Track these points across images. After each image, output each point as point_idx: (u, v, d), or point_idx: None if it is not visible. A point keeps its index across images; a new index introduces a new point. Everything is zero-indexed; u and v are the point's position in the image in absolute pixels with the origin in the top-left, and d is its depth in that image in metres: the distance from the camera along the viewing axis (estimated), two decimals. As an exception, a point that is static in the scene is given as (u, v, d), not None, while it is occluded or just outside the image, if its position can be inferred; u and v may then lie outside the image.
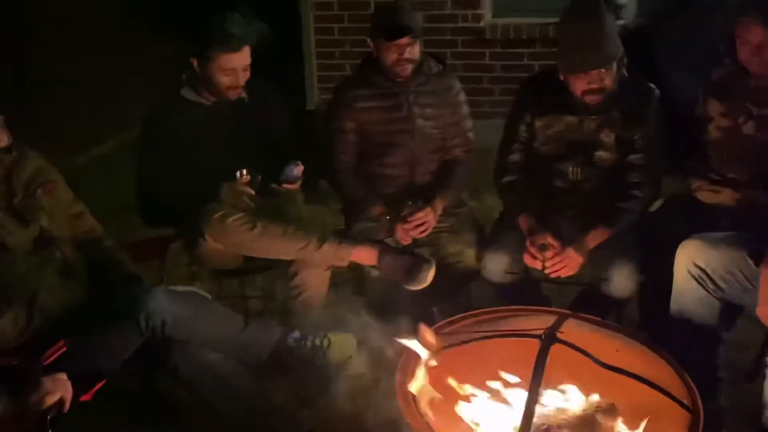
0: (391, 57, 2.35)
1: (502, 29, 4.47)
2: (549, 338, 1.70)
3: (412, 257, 2.15)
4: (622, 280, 2.13)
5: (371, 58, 2.48)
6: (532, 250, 2.17)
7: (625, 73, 2.25)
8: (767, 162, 2.19)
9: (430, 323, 1.78)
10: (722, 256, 1.93)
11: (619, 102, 2.23)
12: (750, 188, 2.22)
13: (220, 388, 1.87)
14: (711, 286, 1.95)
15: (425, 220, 2.35)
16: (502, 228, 2.36)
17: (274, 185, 2.26)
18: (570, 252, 2.14)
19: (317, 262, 2.15)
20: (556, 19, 4.41)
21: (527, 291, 2.38)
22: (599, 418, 1.63)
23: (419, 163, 2.50)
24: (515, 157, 2.39)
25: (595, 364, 1.72)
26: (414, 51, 2.36)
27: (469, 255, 2.33)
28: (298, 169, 2.27)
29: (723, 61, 2.34)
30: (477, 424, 1.63)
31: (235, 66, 2.21)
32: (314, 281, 2.16)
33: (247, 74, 2.27)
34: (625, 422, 1.64)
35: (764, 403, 1.66)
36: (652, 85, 2.30)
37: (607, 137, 2.27)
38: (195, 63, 2.24)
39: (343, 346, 2.06)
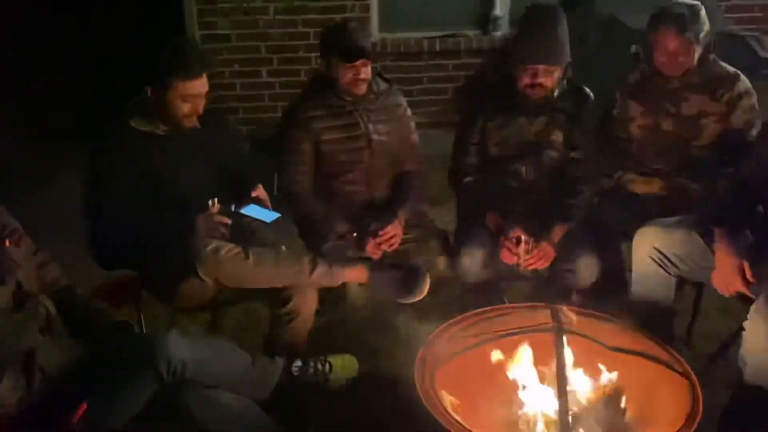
0: (346, 77, 2.38)
1: (391, 44, 4.62)
2: (559, 330, 1.83)
3: (406, 269, 2.19)
4: (586, 270, 2.33)
5: (321, 77, 2.50)
6: (509, 245, 2.31)
7: (566, 84, 2.46)
8: (686, 153, 2.51)
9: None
10: (678, 239, 2.18)
11: (562, 104, 2.44)
12: (674, 177, 2.53)
13: (237, 427, 1.79)
14: (670, 266, 2.19)
15: (395, 232, 2.40)
16: (468, 228, 2.47)
17: (243, 212, 2.19)
18: (544, 245, 2.30)
19: (310, 285, 2.12)
20: (443, 33, 4.64)
21: (492, 290, 2.52)
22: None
23: (376, 178, 2.56)
24: (470, 159, 2.53)
25: (595, 348, 1.89)
26: (368, 71, 2.41)
27: (438, 263, 2.42)
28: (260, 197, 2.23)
29: (638, 66, 2.66)
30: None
31: (196, 93, 2.13)
32: (308, 305, 2.12)
33: (204, 102, 2.19)
34: (631, 397, 1.82)
35: (743, 360, 1.89)
36: (587, 89, 2.54)
37: (555, 137, 2.47)
38: (150, 92, 2.12)
39: (345, 368, 2.06)
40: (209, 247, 1.98)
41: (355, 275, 2.17)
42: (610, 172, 2.64)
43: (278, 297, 2.11)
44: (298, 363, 2.03)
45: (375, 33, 4.66)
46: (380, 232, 2.39)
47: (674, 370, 1.81)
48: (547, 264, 2.32)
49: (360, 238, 2.43)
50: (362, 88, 2.42)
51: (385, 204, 2.55)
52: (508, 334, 1.89)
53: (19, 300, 1.68)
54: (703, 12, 2.38)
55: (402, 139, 2.59)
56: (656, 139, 2.55)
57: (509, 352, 1.89)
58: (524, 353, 1.86)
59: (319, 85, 2.50)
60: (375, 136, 2.50)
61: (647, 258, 2.21)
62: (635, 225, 2.48)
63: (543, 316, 1.97)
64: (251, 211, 2.18)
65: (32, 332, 1.65)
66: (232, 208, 2.14)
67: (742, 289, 1.99)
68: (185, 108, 2.13)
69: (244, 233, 2.19)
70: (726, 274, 2.02)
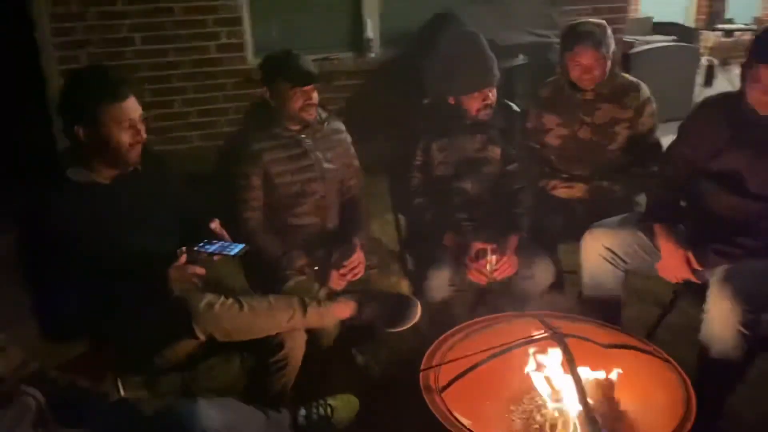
0: (297, 103, 2.32)
1: (269, 69, 4.54)
2: (560, 336, 1.93)
3: (394, 297, 2.16)
4: (543, 274, 2.47)
5: (260, 107, 2.41)
6: (475, 265, 2.37)
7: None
8: (603, 158, 2.76)
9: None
10: (625, 237, 2.39)
11: (495, 120, 2.57)
12: (595, 180, 2.77)
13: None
14: (620, 263, 2.39)
15: (360, 261, 2.37)
16: (429, 250, 2.49)
17: (205, 257, 2.03)
18: (509, 254, 2.39)
19: (301, 329, 2.02)
20: (317, 56, 4.63)
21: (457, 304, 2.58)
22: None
23: (328, 207, 2.50)
24: (415, 181, 2.57)
25: (588, 349, 2.01)
26: (316, 96, 2.36)
27: (404, 285, 2.42)
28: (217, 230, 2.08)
29: (546, 81, 2.87)
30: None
31: (131, 116, 1.91)
32: (298, 350, 2.02)
33: (143, 129, 1.98)
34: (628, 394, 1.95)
35: (708, 339, 2.11)
36: (513, 105, 2.69)
37: (493, 152, 2.59)
38: (82, 132, 1.88)
39: (346, 408, 1.99)
40: (203, 303, 1.82)
41: (342, 310, 2.11)
42: (535, 181, 2.83)
43: (261, 344, 1.98)
44: (303, 411, 1.93)
45: (250, 59, 4.56)
46: (344, 263, 2.34)
47: (664, 359, 1.96)
48: (513, 271, 2.42)
49: (321, 272, 2.37)
50: (313, 114, 2.36)
51: (338, 233, 2.50)
52: (512, 347, 1.93)
53: (4, 395, 1.42)
54: (609, 29, 2.64)
55: (347, 166, 2.56)
56: (575, 147, 2.77)
57: (511, 362, 1.95)
58: (530, 360, 1.93)
59: (260, 116, 2.39)
60: (326, 165, 2.45)
61: (599, 257, 2.40)
62: (566, 229, 2.69)
63: (530, 324, 2.07)
64: (217, 248, 2.02)
65: (26, 429, 1.40)
66: (199, 250, 1.97)
67: (689, 275, 2.23)
68: (126, 137, 1.91)
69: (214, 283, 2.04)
70: (674, 263, 2.25)
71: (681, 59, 5.76)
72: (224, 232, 2.13)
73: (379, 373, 2.53)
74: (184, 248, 1.94)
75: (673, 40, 6.04)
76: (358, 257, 2.36)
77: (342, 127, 2.57)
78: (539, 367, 1.93)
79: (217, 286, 2.08)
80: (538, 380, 1.91)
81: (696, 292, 2.30)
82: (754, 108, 2.13)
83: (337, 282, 2.35)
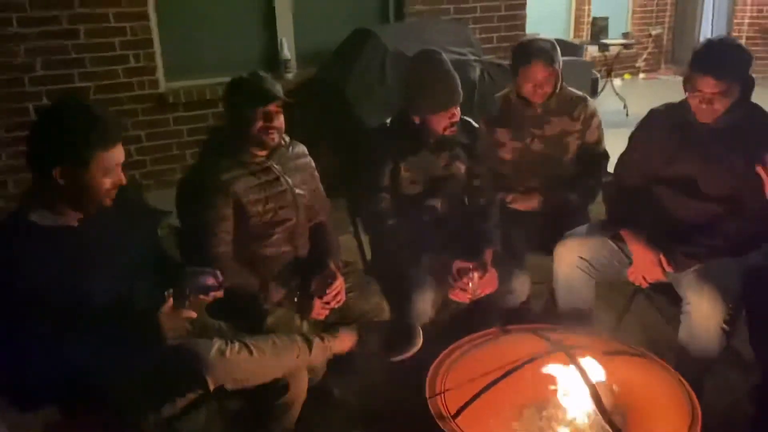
0: (261, 126, 2.19)
1: (184, 92, 4.31)
2: (565, 348, 1.95)
3: (394, 325, 2.08)
4: (522, 288, 2.49)
5: (221, 134, 2.27)
6: (458, 284, 2.35)
7: None
8: (556, 170, 2.85)
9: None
10: (595, 245, 2.47)
11: (459, 136, 2.57)
12: (549, 192, 2.84)
13: None
14: (593, 271, 2.46)
15: (341, 287, 2.28)
16: (412, 272, 2.44)
17: (190, 298, 1.87)
18: (490, 269, 2.39)
19: (304, 368, 1.89)
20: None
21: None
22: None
23: (300, 235, 2.39)
24: (385, 203, 2.51)
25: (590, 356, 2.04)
26: (281, 118, 2.25)
27: (385, 306, 2.36)
28: (211, 280, 1.92)
29: (495, 97, 2.93)
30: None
31: (118, 161, 1.75)
32: (303, 390, 1.89)
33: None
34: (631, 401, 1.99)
35: (690, 337, 2.21)
36: (472, 121, 2.71)
37: (459, 169, 2.59)
38: (59, 174, 1.68)
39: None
40: (213, 351, 1.65)
41: (344, 342, 2.01)
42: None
43: (265, 388, 1.84)
44: None
45: (161, 83, 4.31)
46: (327, 290, 2.24)
47: (657, 362, 2.03)
48: (494, 288, 2.42)
49: (302, 302, 2.25)
50: (277, 137, 2.25)
51: (311, 261, 2.40)
52: (523, 364, 1.93)
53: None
54: (557, 46, 2.74)
55: (314, 190, 2.46)
56: (528, 160, 2.84)
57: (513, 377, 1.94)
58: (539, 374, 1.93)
59: (223, 144, 2.25)
60: (296, 190, 2.34)
61: (573, 267, 2.46)
62: (528, 241, 2.75)
63: (526, 338, 2.09)
64: (203, 288, 1.86)
65: None
66: (186, 292, 1.81)
67: (662, 277, 2.34)
68: (107, 182, 1.74)
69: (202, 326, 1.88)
70: (647, 266, 2.35)
71: (576, 73, 6.11)
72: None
73: (357, 405, 2.44)
74: (171, 290, 1.77)
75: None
76: (340, 283, 2.27)
77: (305, 150, 2.47)
78: (549, 380, 1.93)
79: (203, 329, 1.91)
80: (551, 393, 1.91)
81: (658, 292, 2.44)
82: (703, 120, 2.28)
83: (319, 311, 2.25)
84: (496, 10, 5.43)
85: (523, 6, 5.61)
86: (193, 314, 1.77)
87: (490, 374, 1.93)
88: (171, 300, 1.76)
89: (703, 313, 2.15)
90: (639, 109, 2.98)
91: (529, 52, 2.68)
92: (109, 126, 1.73)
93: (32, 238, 1.70)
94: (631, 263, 2.42)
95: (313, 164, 2.49)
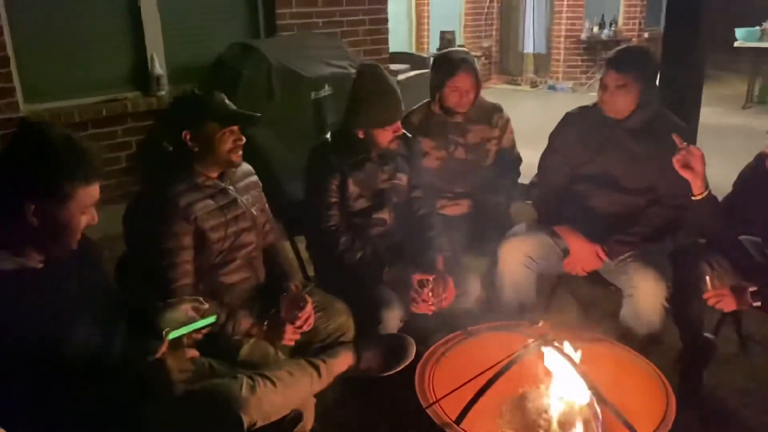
0: (227, 145, 2.07)
1: (50, 115, 3.89)
2: (550, 341, 2.05)
3: (387, 339, 2.04)
4: (474, 288, 2.58)
5: (174, 157, 2.10)
6: (418, 298, 2.37)
7: None
8: (480, 175, 2.99)
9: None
10: (537, 242, 2.62)
11: (399, 148, 2.61)
12: (476, 196, 2.98)
13: None
14: (535, 266, 2.62)
15: (311, 310, 2.21)
16: (376, 289, 2.42)
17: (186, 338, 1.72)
18: (448, 279, 2.44)
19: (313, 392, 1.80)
20: (105, 97, 4.18)
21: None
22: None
23: (257, 258, 2.27)
24: (335, 219, 2.47)
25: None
26: (242, 138, 2.14)
27: (351, 324, 2.32)
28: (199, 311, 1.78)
29: (413, 109, 3.01)
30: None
31: (96, 199, 1.58)
32: (312, 418, 1.79)
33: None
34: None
35: (636, 318, 2.42)
36: (407, 132, 2.76)
37: (401, 180, 2.63)
38: (32, 211, 1.47)
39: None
40: (243, 388, 1.52)
41: (343, 362, 1.94)
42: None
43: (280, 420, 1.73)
44: None
45: (22, 106, 3.85)
46: (299, 314, 2.16)
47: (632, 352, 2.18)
48: (453, 296, 2.47)
49: (272, 329, 2.15)
50: (240, 155, 2.14)
51: (270, 285, 2.29)
52: (515, 361, 2.00)
53: None
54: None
55: (262, 210, 2.35)
56: (453, 167, 2.95)
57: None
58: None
59: (175, 166, 2.08)
60: (253, 211, 2.23)
61: (520, 264, 2.60)
62: (462, 244, 2.86)
63: (505, 336, 2.18)
64: (193, 324, 1.72)
65: None
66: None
67: (599, 266, 2.55)
68: (84, 221, 1.56)
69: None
70: (585, 257, 2.55)
71: (427, 85, 6.39)
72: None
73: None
74: (168, 329, 1.62)
75: (409, 68, 6.65)
76: (309, 305, 2.20)
77: (251, 168, 2.37)
78: (542, 373, 2.03)
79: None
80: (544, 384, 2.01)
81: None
82: (611, 114, 2.53)
83: (291, 337, 2.15)
84: (361, 24, 5.54)
85: (385, 21, 5.78)
86: (196, 353, 1.64)
87: (481, 374, 1.98)
88: (167, 342, 1.60)
89: (649, 293, 2.38)
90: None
91: (455, 63, 2.79)
92: (93, 158, 1.54)
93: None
94: (565, 256, 2.62)
95: (260, 182, 2.39)
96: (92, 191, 1.55)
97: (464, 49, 3.00)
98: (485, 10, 9.64)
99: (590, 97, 3.20)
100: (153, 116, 4.34)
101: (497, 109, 3.01)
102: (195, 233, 2.06)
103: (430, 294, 2.38)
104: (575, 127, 2.69)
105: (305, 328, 2.18)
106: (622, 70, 2.46)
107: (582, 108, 2.74)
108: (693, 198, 2.31)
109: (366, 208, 2.54)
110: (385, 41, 5.85)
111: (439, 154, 2.94)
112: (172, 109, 2.12)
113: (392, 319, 2.35)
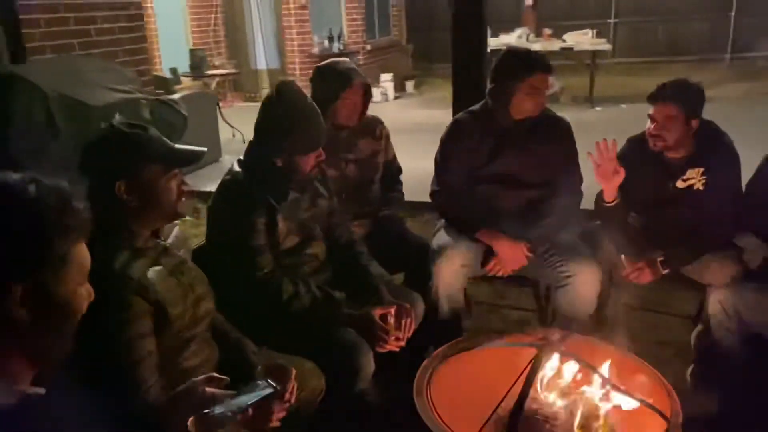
0: (173, 194, 1.59)
1: None
2: (559, 346, 1.99)
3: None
4: (419, 305, 2.39)
5: (112, 216, 1.54)
6: (381, 332, 2.11)
7: None
8: (369, 191, 2.80)
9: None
10: (466, 251, 2.54)
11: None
12: (375, 213, 2.79)
13: None
14: (468, 274, 2.54)
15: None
16: (330, 333, 2.07)
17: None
18: (407, 306, 2.21)
19: None
20: None
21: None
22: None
23: (209, 330, 1.78)
24: (269, 265, 2.09)
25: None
26: (187, 182, 1.66)
27: (322, 385, 1.98)
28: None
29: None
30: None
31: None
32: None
33: None
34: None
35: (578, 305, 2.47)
36: None
37: (322, 208, 2.33)
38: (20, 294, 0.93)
39: None
40: None
41: None
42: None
43: None
44: None
45: None
46: (288, 386, 1.74)
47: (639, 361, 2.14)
48: (415, 322, 2.24)
49: (261, 413, 1.71)
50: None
51: (228, 360, 1.82)
52: (528, 372, 1.89)
53: None
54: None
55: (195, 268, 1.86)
56: (347, 185, 2.71)
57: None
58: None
59: (117, 228, 1.53)
60: (198, 274, 1.74)
61: (456, 274, 2.49)
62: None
63: (502, 349, 2.07)
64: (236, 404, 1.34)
65: None
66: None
67: (525, 263, 2.57)
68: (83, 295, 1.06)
69: None
70: (513, 256, 2.54)
71: (202, 103, 5.94)
72: None
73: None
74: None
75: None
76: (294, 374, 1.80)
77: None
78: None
79: None
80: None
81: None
82: (511, 115, 2.58)
83: (279, 416, 1.74)
84: (119, 44, 4.86)
85: (143, 39, 5.17)
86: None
87: (491, 390, 1.85)
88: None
89: (587, 278, 2.45)
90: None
91: (348, 73, 2.56)
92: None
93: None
94: (486, 259, 2.60)
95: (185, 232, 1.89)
96: (84, 251, 1.09)
97: (343, 59, 2.75)
98: (211, 28, 9.25)
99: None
100: None
101: (378, 120, 2.85)
102: (154, 314, 1.54)
103: (394, 327, 2.14)
104: (466, 132, 2.67)
105: (293, 401, 1.78)
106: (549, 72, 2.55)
107: (470, 112, 2.73)
108: (605, 204, 2.53)
109: (296, 246, 2.19)
110: (149, 61, 5.25)
111: (332, 174, 2.66)
112: (97, 155, 1.55)
113: (369, 365, 2.06)
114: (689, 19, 12.09)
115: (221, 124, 6.57)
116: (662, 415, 1.86)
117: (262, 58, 9.62)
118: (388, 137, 2.86)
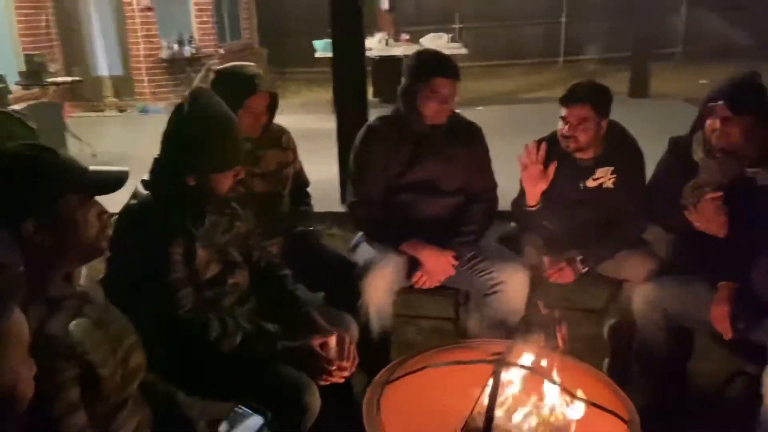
0: (93, 228, 1.31)
1: None
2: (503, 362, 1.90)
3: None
4: (355, 329, 2.21)
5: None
6: (325, 363, 1.90)
7: None
8: (277, 206, 2.58)
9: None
10: (393, 268, 2.42)
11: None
12: (285, 231, 2.56)
13: None
14: (395, 290, 2.41)
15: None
16: (267, 372, 1.83)
17: None
18: (345, 333, 2.02)
19: None
20: None
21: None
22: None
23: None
24: (187, 298, 1.82)
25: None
26: (109, 213, 1.36)
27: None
28: None
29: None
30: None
31: None
32: None
33: None
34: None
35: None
36: None
37: (239, 230, 2.08)
38: None
39: None
40: None
41: None
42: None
43: None
44: None
45: None
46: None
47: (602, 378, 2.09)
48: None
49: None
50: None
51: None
52: (491, 385, 1.78)
53: None
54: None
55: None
56: (251, 202, 2.45)
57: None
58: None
59: (35, 273, 1.20)
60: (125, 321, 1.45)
61: (386, 292, 2.35)
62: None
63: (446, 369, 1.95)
64: None
65: None
66: None
67: (453, 272, 2.47)
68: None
69: None
70: (440, 266, 2.43)
71: (47, 114, 5.32)
72: None
73: None
74: None
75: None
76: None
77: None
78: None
79: None
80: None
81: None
82: (425, 120, 2.48)
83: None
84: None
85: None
86: None
87: (445, 411, 1.74)
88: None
89: (519, 284, 2.40)
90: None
91: (251, 79, 2.32)
92: None
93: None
94: (412, 270, 2.48)
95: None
96: None
97: (247, 63, 2.49)
98: (43, 30, 8.33)
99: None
100: None
101: (284, 130, 2.63)
102: (83, 377, 1.24)
103: (337, 356, 1.95)
104: (384, 139, 2.54)
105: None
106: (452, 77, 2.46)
107: (383, 118, 2.60)
108: (528, 208, 2.53)
109: (218, 275, 1.92)
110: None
111: (238, 190, 2.41)
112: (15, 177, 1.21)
113: (317, 402, 1.84)
114: (525, 24, 12.85)
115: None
116: (620, 417, 1.85)
117: (104, 64, 8.84)
118: (295, 149, 2.65)
